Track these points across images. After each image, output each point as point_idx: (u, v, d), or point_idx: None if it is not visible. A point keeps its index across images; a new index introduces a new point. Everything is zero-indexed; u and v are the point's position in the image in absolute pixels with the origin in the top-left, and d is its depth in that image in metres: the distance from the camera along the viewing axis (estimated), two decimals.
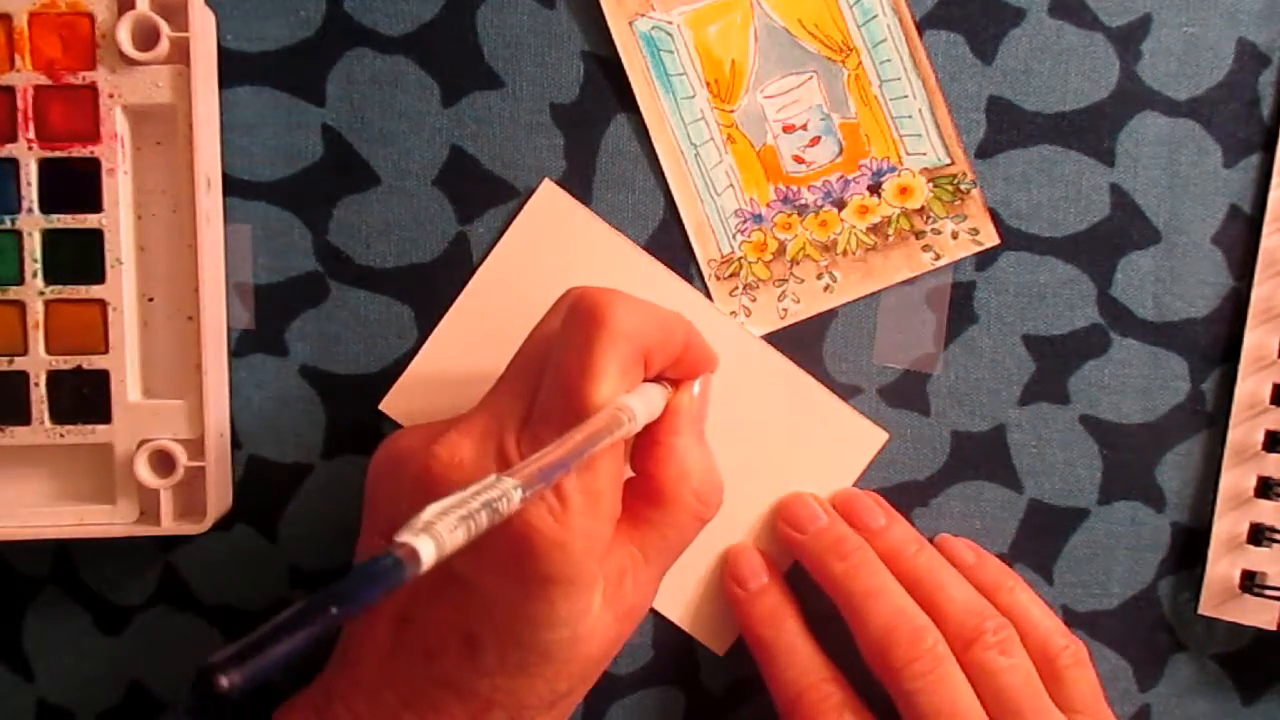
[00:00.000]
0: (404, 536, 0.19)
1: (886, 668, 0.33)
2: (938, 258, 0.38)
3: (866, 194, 0.38)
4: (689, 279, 0.38)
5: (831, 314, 0.38)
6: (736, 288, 0.38)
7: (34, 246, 0.34)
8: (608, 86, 0.37)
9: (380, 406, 0.37)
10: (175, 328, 0.35)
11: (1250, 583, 0.37)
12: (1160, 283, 0.38)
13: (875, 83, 0.37)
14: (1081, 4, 0.37)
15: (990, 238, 0.38)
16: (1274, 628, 0.37)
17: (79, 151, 0.34)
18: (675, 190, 0.37)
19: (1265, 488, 0.37)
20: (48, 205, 0.34)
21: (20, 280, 0.34)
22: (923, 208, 0.38)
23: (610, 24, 0.37)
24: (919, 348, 0.38)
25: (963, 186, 0.38)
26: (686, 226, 0.37)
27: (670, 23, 0.37)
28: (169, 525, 0.35)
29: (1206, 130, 0.38)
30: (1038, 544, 0.39)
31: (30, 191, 0.34)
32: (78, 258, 0.34)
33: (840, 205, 0.38)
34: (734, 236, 0.38)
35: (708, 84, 0.37)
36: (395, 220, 0.37)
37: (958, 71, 0.37)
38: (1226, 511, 0.38)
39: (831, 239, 0.38)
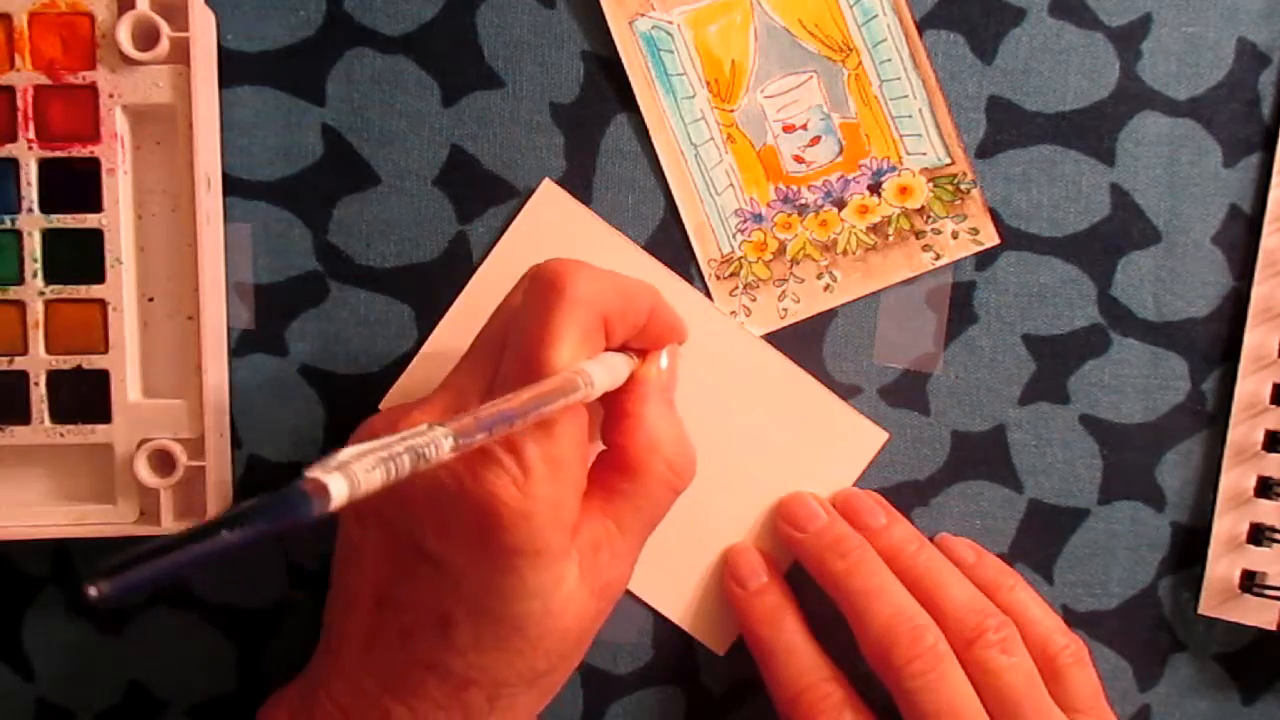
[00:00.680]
0: (315, 472, 0.18)
1: (887, 666, 0.33)
2: (938, 258, 0.38)
3: (866, 194, 0.38)
4: (689, 279, 0.38)
5: (831, 314, 0.38)
6: (736, 288, 0.38)
7: (34, 246, 0.34)
8: (608, 86, 0.37)
9: (380, 406, 0.37)
10: (175, 328, 0.35)
11: (1250, 583, 0.37)
12: (1160, 283, 0.38)
13: (875, 83, 0.37)
14: (1081, 4, 0.37)
15: (990, 238, 0.38)
16: (1274, 628, 0.37)
17: (79, 151, 0.34)
18: (675, 190, 0.37)
19: (1265, 488, 0.37)
20: (48, 205, 0.34)
21: (20, 280, 0.34)
22: (923, 208, 0.38)
23: (610, 24, 0.37)
24: (919, 348, 0.38)
25: (963, 186, 0.38)
26: (686, 226, 0.37)
27: (670, 22, 0.37)
28: (169, 525, 0.35)
29: (1206, 130, 0.38)
30: (1038, 544, 0.39)
31: (30, 191, 0.34)
32: (78, 258, 0.34)
33: (840, 205, 0.38)
34: (734, 236, 0.38)
35: (708, 84, 0.37)
36: (395, 220, 0.37)
37: (958, 71, 0.37)
38: (1226, 511, 0.38)
39: (831, 239, 0.38)
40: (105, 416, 0.34)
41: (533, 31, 0.37)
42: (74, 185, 0.34)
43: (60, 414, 0.34)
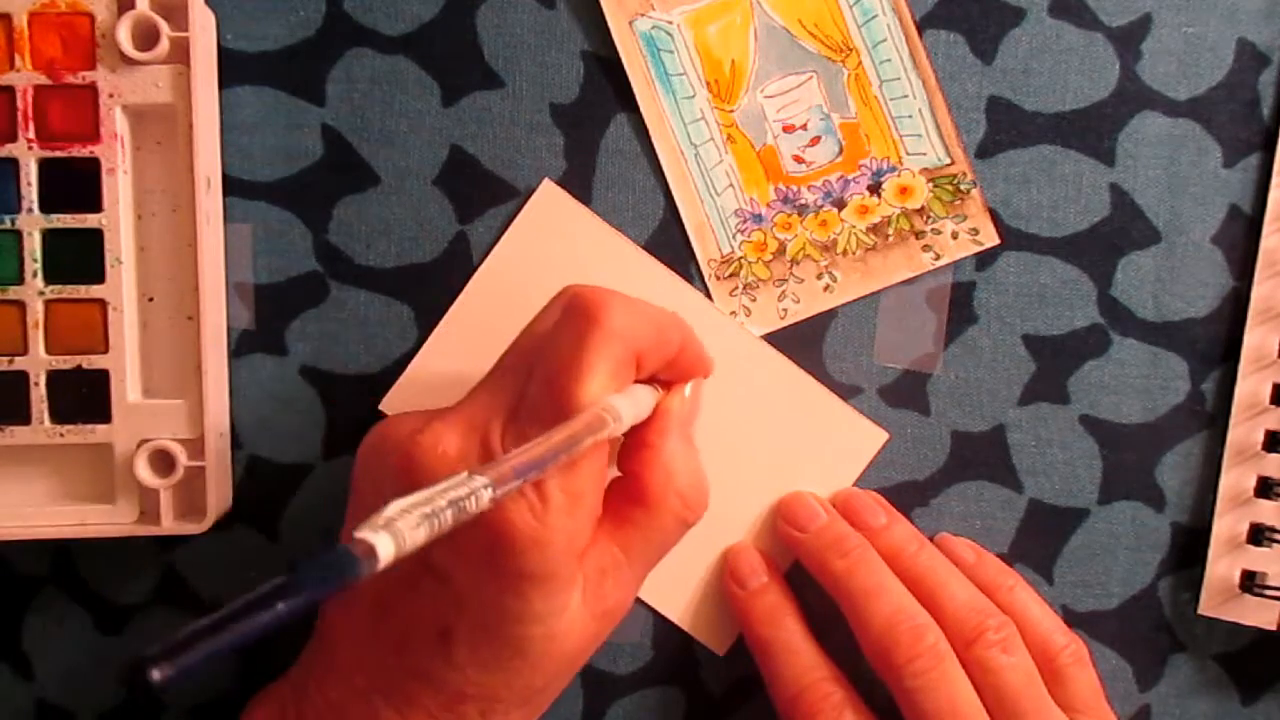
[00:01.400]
0: (363, 532, 0.18)
1: (888, 665, 0.33)
2: (938, 258, 0.38)
3: (866, 194, 0.38)
4: (689, 279, 0.38)
5: (831, 314, 0.38)
6: (736, 288, 0.38)
7: (34, 246, 0.34)
8: (608, 86, 0.37)
9: (380, 406, 0.37)
10: (175, 328, 0.35)
11: (1250, 583, 0.37)
12: (1160, 283, 0.38)
13: (875, 83, 0.37)
14: (1081, 4, 0.37)
15: (990, 238, 0.38)
16: (1274, 628, 0.37)
17: (79, 151, 0.34)
18: (675, 190, 0.37)
19: (1265, 488, 0.37)
20: (48, 205, 0.34)
21: (20, 280, 0.34)
22: (923, 208, 0.38)
23: (610, 24, 0.37)
24: (919, 348, 0.38)
25: (963, 186, 0.38)
26: (686, 226, 0.37)
27: (670, 23, 0.37)
28: (169, 525, 0.35)
29: (1206, 130, 0.38)
30: (1038, 544, 0.39)
31: (30, 191, 0.34)
32: (78, 257, 0.34)
33: (840, 205, 0.38)
34: (734, 236, 0.38)
35: (708, 84, 0.37)
36: (395, 220, 0.37)
37: (958, 71, 0.37)
38: (1226, 511, 0.38)
39: (831, 239, 0.38)
40: (105, 416, 0.34)
41: (533, 31, 0.37)
42: (74, 185, 0.34)
43: (60, 414, 0.34)
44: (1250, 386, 0.38)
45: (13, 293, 0.34)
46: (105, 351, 0.34)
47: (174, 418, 0.35)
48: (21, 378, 0.34)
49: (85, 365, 0.34)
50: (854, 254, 0.38)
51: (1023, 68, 0.37)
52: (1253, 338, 0.38)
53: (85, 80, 0.34)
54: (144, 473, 0.34)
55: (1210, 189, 0.38)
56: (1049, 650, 0.35)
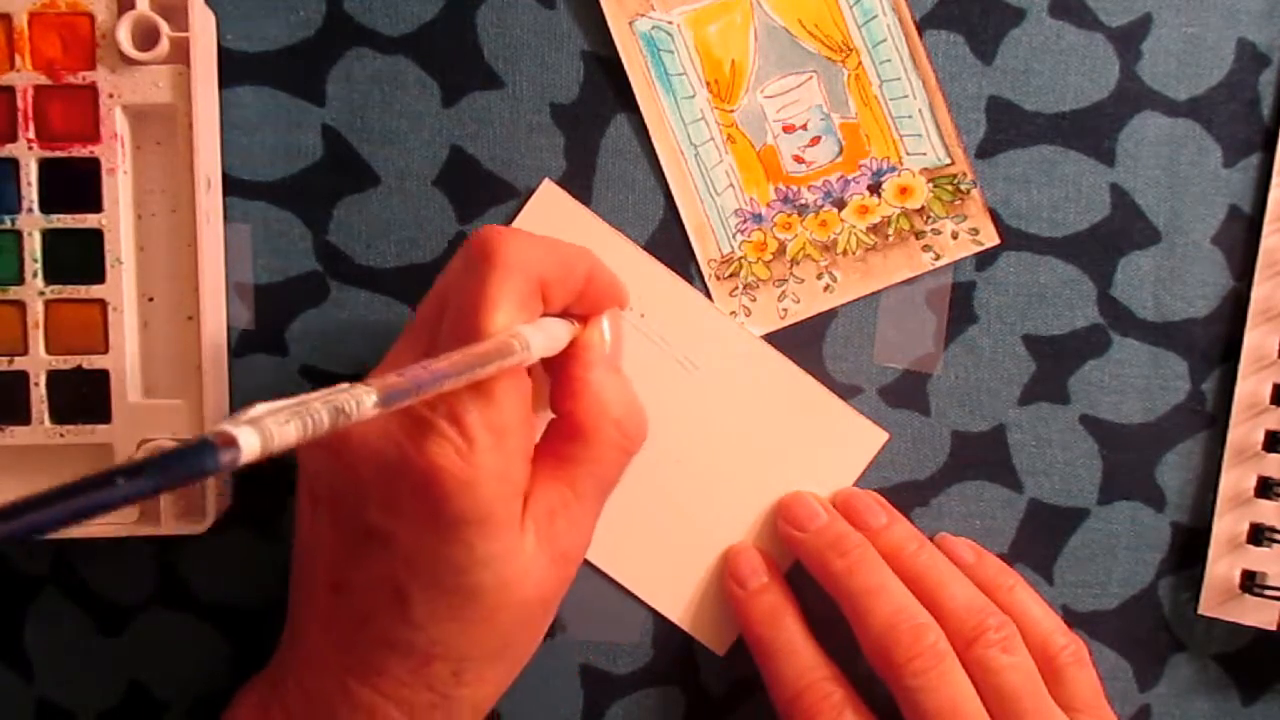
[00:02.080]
0: (224, 424, 0.18)
1: (888, 665, 0.33)
2: (938, 258, 0.38)
3: (866, 194, 0.38)
4: (689, 279, 0.38)
5: (831, 314, 0.38)
6: (736, 288, 0.38)
7: (34, 246, 0.34)
8: (608, 86, 0.37)
9: None
10: (175, 328, 0.35)
11: (1250, 583, 0.37)
12: (1160, 283, 0.38)
13: (875, 83, 0.37)
14: (1081, 4, 0.37)
15: (990, 238, 0.38)
16: (1274, 628, 0.37)
17: (79, 151, 0.34)
18: (675, 190, 0.37)
19: (1265, 488, 0.37)
20: (48, 205, 0.34)
21: (20, 280, 0.34)
22: (923, 208, 0.38)
23: (610, 24, 0.37)
24: (919, 348, 0.38)
25: (963, 186, 0.38)
26: (686, 226, 0.37)
27: (670, 23, 0.37)
28: (169, 525, 0.35)
29: (1206, 130, 0.38)
30: (1038, 544, 0.39)
31: (30, 191, 0.34)
32: (78, 258, 0.34)
33: (840, 205, 0.38)
34: (734, 236, 0.38)
35: (708, 84, 0.37)
36: (395, 220, 0.37)
37: (958, 71, 0.37)
38: (1226, 511, 0.38)
39: (831, 239, 0.38)
40: (105, 416, 0.34)
41: (533, 31, 0.37)
42: (74, 185, 0.34)
43: (60, 414, 0.34)
44: (1250, 386, 0.38)
45: (13, 293, 0.34)
46: (105, 351, 0.34)
47: (174, 418, 0.35)
48: (21, 378, 0.34)
49: (85, 365, 0.34)
50: (854, 254, 0.38)
51: (1023, 68, 0.37)
52: (1253, 338, 0.38)
53: (85, 80, 0.34)
54: None
55: (1210, 189, 0.38)
56: (1049, 650, 0.35)
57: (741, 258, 0.38)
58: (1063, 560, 0.39)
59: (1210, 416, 0.38)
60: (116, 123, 0.34)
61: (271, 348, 0.37)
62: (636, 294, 0.37)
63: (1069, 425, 0.38)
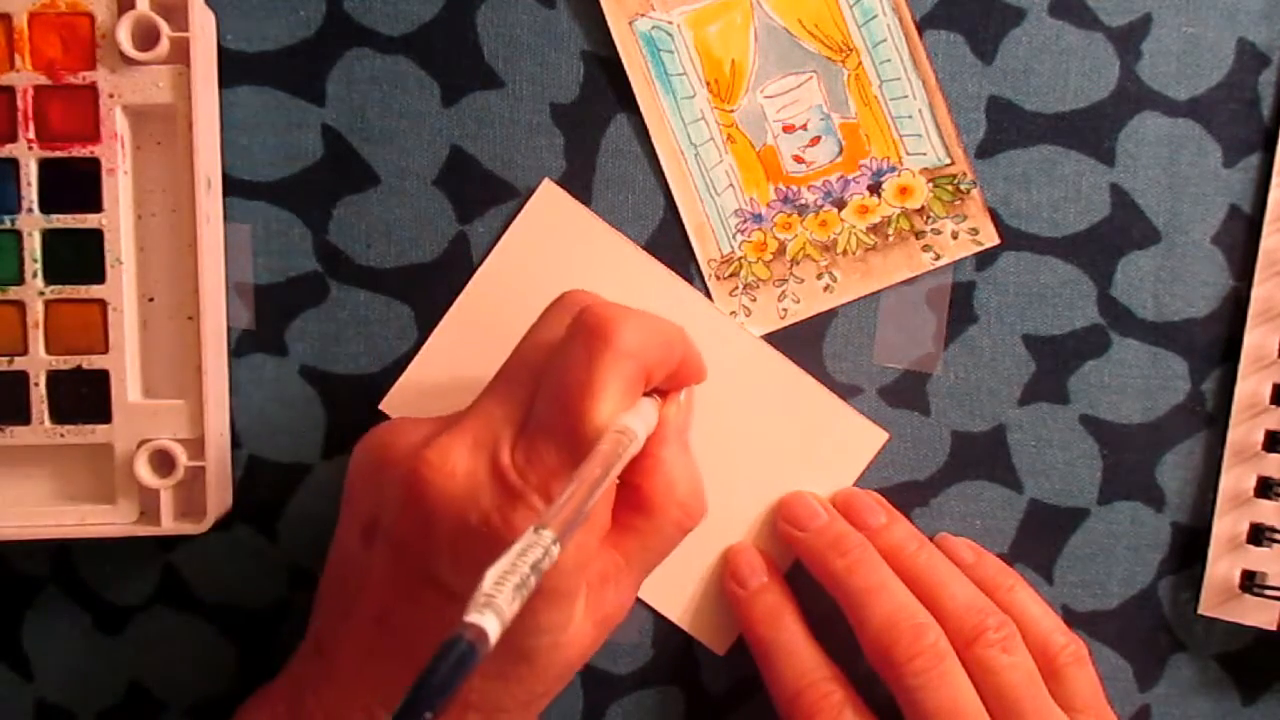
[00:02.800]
0: (471, 616, 0.19)
1: (888, 664, 0.33)
2: (938, 258, 0.38)
3: (866, 194, 0.38)
4: (689, 279, 0.38)
5: (831, 314, 0.38)
6: (736, 288, 0.38)
7: (34, 246, 0.34)
8: (608, 86, 0.37)
9: (380, 406, 0.37)
10: (175, 328, 0.35)
11: (1250, 583, 0.37)
12: (1160, 283, 0.38)
13: (875, 83, 0.37)
14: (1081, 4, 0.37)
15: (990, 238, 0.38)
16: (1274, 628, 0.37)
17: (79, 151, 0.34)
18: (675, 190, 0.37)
19: (1265, 488, 0.37)
20: (48, 205, 0.34)
21: (20, 280, 0.34)
22: (923, 208, 0.38)
23: (610, 24, 0.37)
24: (919, 348, 0.38)
25: (963, 186, 0.38)
26: (686, 226, 0.37)
27: (670, 23, 0.37)
28: (169, 525, 0.35)
29: (1206, 130, 0.38)
30: (1038, 544, 0.39)
31: (30, 191, 0.34)
32: (78, 258, 0.34)
33: (840, 205, 0.38)
34: (734, 236, 0.38)
35: (708, 84, 0.37)
36: (395, 220, 0.37)
37: (958, 71, 0.37)
38: (1226, 511, 0.38)
39: (831, 239, 0.38)
40: (105, 416, 0.34)
41: (533, 31, 0.37)
42: (74, 185, 0.34)
43: (60, 414, 0.34)
44: (1250, 386, 0.38)
45: (13, 293, 0.34)
46: (105, 351, 0.34)
47: (174, 418, 0.35)
48: (21, 378, 0.34)
49: (85, 365, 0.34)
50: (854, 254, 0.38)
51: (1023, 68, 0.37)
52: (1253, 338, 0.38)
53: (85, 80, 0.34)
54: (144, 473, 0.34)
55: (1210, 189, 0.38)
56: (1049, 650, 0.35)
57: (741, 258, 0.38)
58: (1063, 560, 0.39)
59: (1210, 416, 0.38)
60: (116, 123, 0.34)
61: (271, 348, 0.37)
62: (636, 294, 0.37)
63: (1069, 425, 0.38)
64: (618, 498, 0.31)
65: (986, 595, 0.35)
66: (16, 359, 0.34)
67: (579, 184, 0.37)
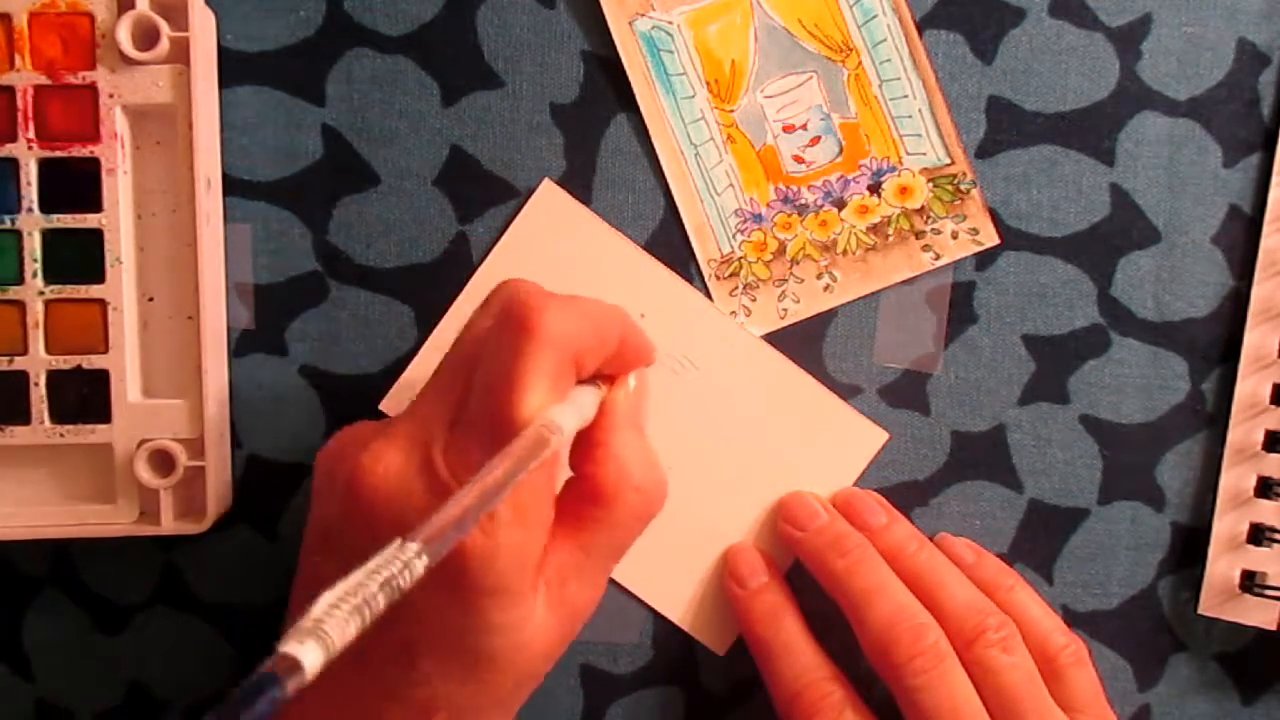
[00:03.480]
0: (287, 645, 0.18)
1: (888, 664, 0.33)
2: (938, 258, 0.38)
3: (866, 194, 0.38)
4: (689, 279, 0.38)
5: (831, 314, 0.38)
6: (736, 288, 0.38)
7: (34, 246, 0.34)
8: (608, 86, 0.37)
9: (380, 406, 0.37)
10: (175, 328, 0.35)
11: (1250, 583, 0.37)
12: (1160, 283, 0.38)
13: (875, 83, 0.37)
14: (1081, 4, 0.37)
15: (990, 238, 0.38)
16: (1274, 628, 0.37)
17: (79, 151, 0.34)
18: (675, 190, 0.37)
19: (1265, 488, 0.37)
20: (47, 205, 0.34)
21: (20, 280, 0.34)
22: (923, 208, 0.38)
23: (610, 24, 0.37)
24: (919, 348, 0.38)
25: (963, 186, 0.38)
26: (686, 226, 0.37)
27: (670, 23, 0.37)
28: (169, 525, 0.35)
29: (1206, 130, 0.38)
30: (1038, 544, 0.39)
31: (30, 191, 0.34)
32: (78, 257, 0.34)
33: (840, 205, 0.38)
34: (734, 236, 0.38)
35: (708, 84, 0.37)
36: (395, 220, 0.37)
37: (958, 71, 0.37)
38: (1226, 511, 0.38)
39: (831, 239, 0.38)
40: (105, 416, 0.34)
41: (533, 31, 0.37)
42: (74, 185, 0.34)
43: (60, 414, 0.34)
44: (1250, 386, 0.38)
45: (13, 293, 0.34)
46: (105, 351, 0.34)
47: (174, 418, 0.35)
48: (21, 378, 0.34)
49: (85, 365, 0.34)
50: (854, 254, 0.38)
51: (1023, 68, 0.37)
52: (1253, 338, 0.38)
53: (85, 80, 0.34)
54: (144, 473, 0.34)
55: (1210, 189, 0.38)
56: (1049, 650, 0.35)
57: (741, 258, 0.38)
58: (1063, 560, 0.39)
59: (1210, 416, 0.38)
60: (116, 123, 0.34)
61: (271, 348, 0.37)
62: (636, 294, 0.37)
63: (1069, 425, 0.38)
64: (573, 489, 0.30)
65: (986, 595, 0.35)
66: (16, 359, 0.34)
67: (579, 184, 0.37)
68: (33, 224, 0.34)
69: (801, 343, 0.38)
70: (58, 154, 0.34)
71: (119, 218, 0.34)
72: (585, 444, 0.30)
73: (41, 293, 0.34)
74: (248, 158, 0.37)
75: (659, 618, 0.38)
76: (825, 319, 0.38)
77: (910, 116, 0.37)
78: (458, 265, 0.37)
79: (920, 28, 0.37)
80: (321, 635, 0.18)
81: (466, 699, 0.29)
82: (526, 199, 0.37)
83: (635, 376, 0.32)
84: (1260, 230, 0.38)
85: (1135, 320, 0.38)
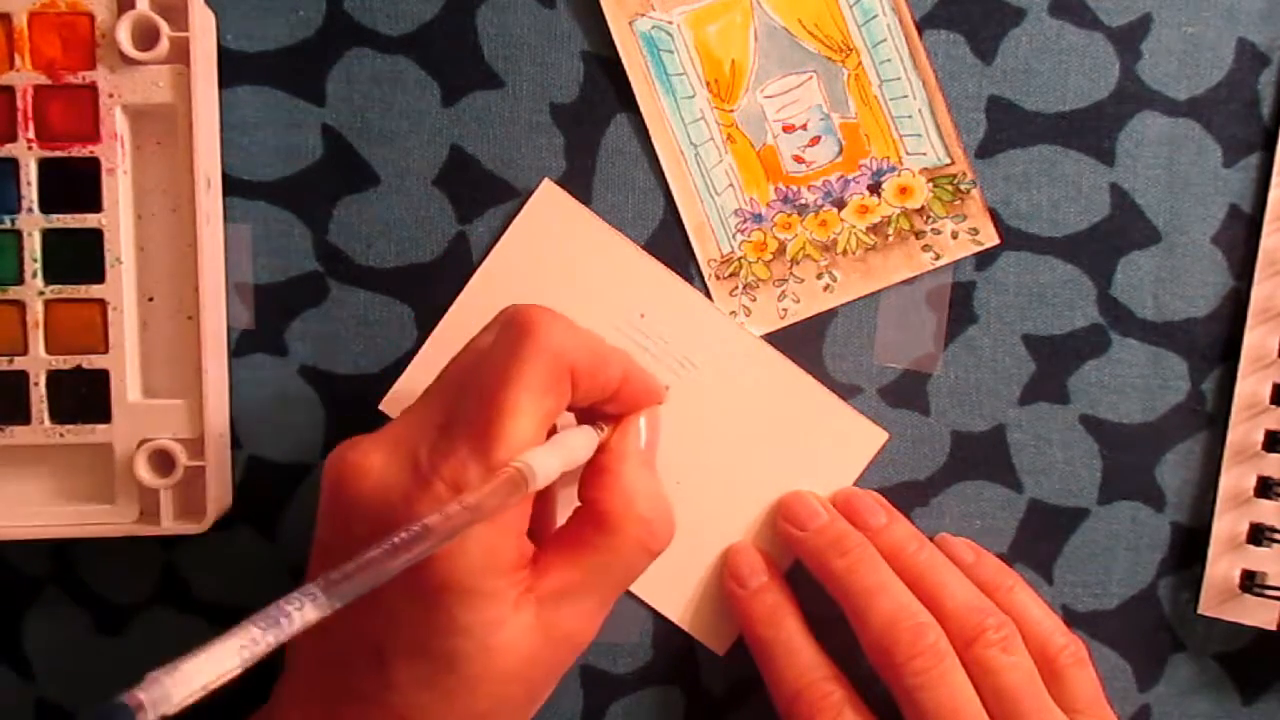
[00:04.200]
0: (142, 689, 0.18)
1: (888, 664, 0.33)
2: (938, 257, 0.38)
3: (866, 194, 0.38)
4: (689, 279, 0.38)
5: (831, 314, 0.38)
6: (736, 288, 0.38)
7: (34, 246, 0.34)
8: (608, 86, 0.37)
9: (380, 406, 0.37)
10: (175, 328, 0.35)
11: (1250, 583, 0.37)
12: (1160, 283, 0.38)
13: (875, 83, 0.37)
14: (1081, 4, 0.37)
15: (990, 238, 0.38)
16: (1274, 628, 0.37)
17: (79, 151, 0.34)
18: (675, 190, 0.37)
19: (1265, 487, 0.37)
20: (47, 205, 0.34)
21: (20, 280, 0.34)
22: (923, 208, 0.38)
23: (610, 24, 0.37)
24: (919, 348, 0.38)
25: (963, 186, 0.38)
26: (686, 226, 0.37)
27: (670, 22, 0.37)
28: (169, 525, 0.35)
29: (1206, 130, 0.38)
30: (1038, 544, 0.39)
31: (30, 191, 0.34)
32: (78, 257, 0.34)
33: (840, 205, 0.38)
34: (734, 236, 0.38)
35: (708, 84, 0.37)
36: (395, 220, 0.37)
37: (958, 71, 0.37)
38: (1226, 511, 0.38)
39: (831, 239, 0.38)
40: (105, 416, 0.34)
41: (533, 31, 0.37)
42: (74, 185, 0.34)
43: (60, 414, 0.34)
44: (1250, 386, 0.38)
45: (13, 293, 0.34)
46: (105, 351, 0.34)
47: (174, 418, 0.35)
48: (21, 378, 0.34)
49: (85, 365, 0.34)
50: (854, 254, 0.38)
51: (1023, 68, 0.37)
52: (1253, 338, 0.38)
53: (85, 80, 0.34)
54: (144, 473, 0.34)
55: (1210, 189, 0.38)
56: (1049, 650, 0.35)
57: (741, 258, 0.38)
58: (1063, 560, 0.39)
59: (1210, 416, 0.38)
60: (116, 123, 0.34)
61: (271, 348, 0.37)
62: (636, 294, 0.37)
63: (1069, 425, 0.38)
64: (579, 516, 0.31)
65: (986, 595, 0.35)
66: (16, 359, 0.34)
67: (579, 184, 0.37)
68: (33, 224, 0.34)
69: (801, 343, 0.38)
70: (58, 154, 0.34)
71: (119, 218, 0.34)
72: (594, 473, 0.31)
73: (41, 293, 0.34)
74: (248, 158, 0.37)
75: (659, 618, 0.38)
76: (825, 319, 0.38)
77: (910, 116, 0.37)
78: (458, 265, 0.37)
79: (920, 28, 0.37)
80: (177, 678, 0.19)
81: (437, 711, 0.28)
82: (526, 199, 0.37)
83: (647, 417, 0.33)
84: (1260, 230, 0.38)
85: (1135, 320, 0.38)
